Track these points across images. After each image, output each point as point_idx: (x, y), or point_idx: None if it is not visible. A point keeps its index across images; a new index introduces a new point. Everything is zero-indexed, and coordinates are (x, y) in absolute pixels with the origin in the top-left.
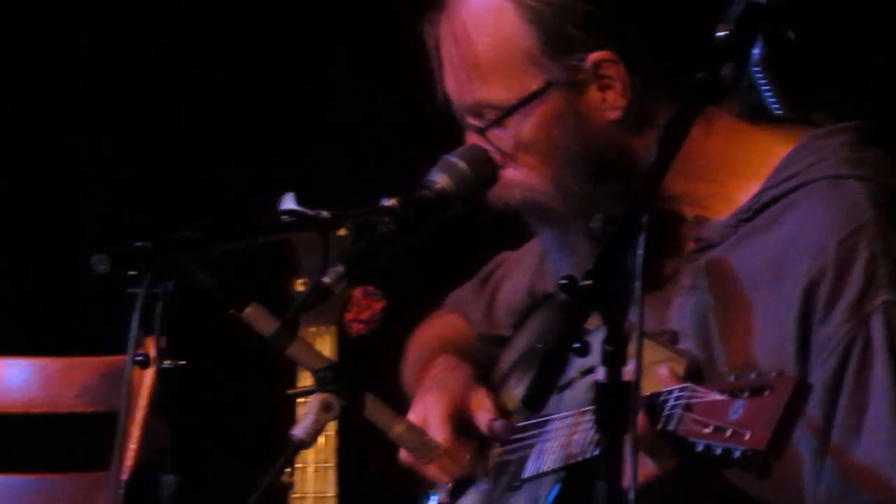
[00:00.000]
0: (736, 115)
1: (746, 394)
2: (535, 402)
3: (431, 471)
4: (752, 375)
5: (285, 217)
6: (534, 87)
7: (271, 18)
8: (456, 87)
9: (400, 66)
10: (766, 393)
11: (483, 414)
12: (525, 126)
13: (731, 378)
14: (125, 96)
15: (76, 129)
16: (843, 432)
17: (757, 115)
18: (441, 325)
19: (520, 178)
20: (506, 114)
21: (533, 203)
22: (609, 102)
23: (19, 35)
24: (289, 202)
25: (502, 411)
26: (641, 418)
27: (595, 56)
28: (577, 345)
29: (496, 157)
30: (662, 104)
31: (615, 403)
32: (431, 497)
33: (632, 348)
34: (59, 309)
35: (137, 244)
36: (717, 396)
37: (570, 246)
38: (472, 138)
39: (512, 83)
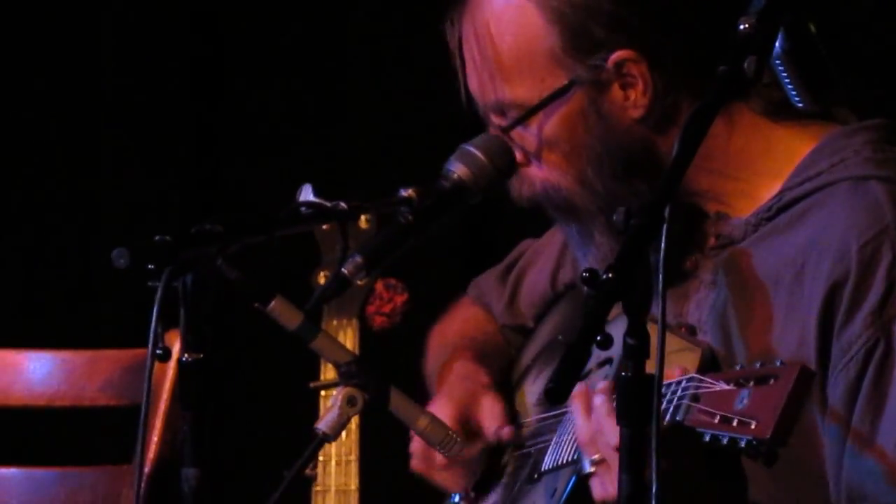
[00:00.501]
0: (759, 112)
1: (752, 383)
2: (558, 394)
3: (441, 478)
4: (757, 365)
5: (304, 209)
6: (556, 86)
7: (291, 10)
8: (479, 86)
9: (418, 55)
10: (771, 382)
11: (490, 421)
12: (548, 125)
13: (737, 368)
14: (147, 92)
15: (99, 123)
16: (861, 431)
17: (780, 112)
18: (462, 320)
19: (543, 176)
20: (529, 113)
21: (557, 200)
22: (632, 101)
23: (43, 28)
24: (307, 194)
25: (513, 416)
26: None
27: (617, 55)
28: (600, 338)
29: (520, 155)
30: (685, 102)
31: (638, 396)
32: (455, 494)
33: (653, 341)
34: (81, 303)
35: (157, 238)
36: (724, 386)
37: (593, 241)
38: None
39: (534, 83)
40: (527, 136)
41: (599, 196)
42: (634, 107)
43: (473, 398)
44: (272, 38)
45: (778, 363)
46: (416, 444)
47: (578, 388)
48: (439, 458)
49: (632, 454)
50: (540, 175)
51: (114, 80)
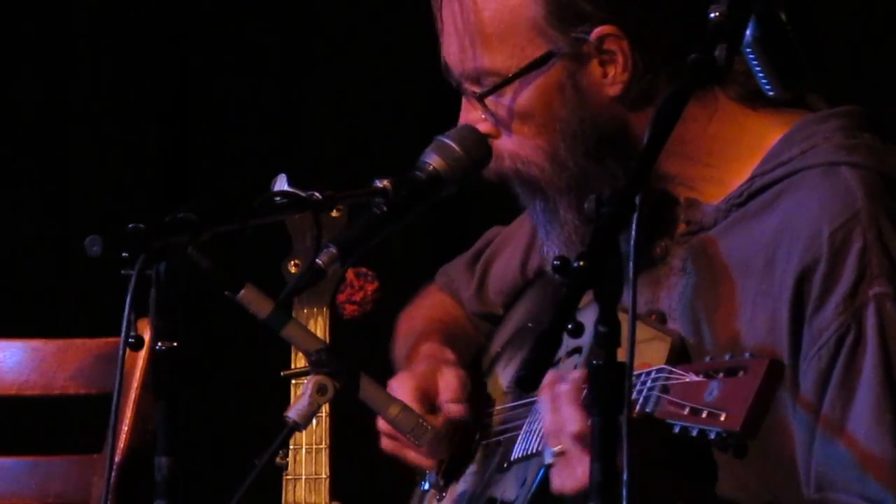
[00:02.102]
0: (734, 98)
1: (722, 375)
2: (529, 382)
3: (412, 456)
4: (727, 357)
5: (278, 198)
6: (536, 56)
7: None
8: (458, 52)
9: (393, 46)
10: (741, 374)
11: (445, 393)
12: (524, 95)
13: (707, 360)
14: (119, 81)
15: (71, 112)
16: (832, 419)
17: (755, 99)
18: (430, 306)
19: (513, 149)
20: (506, 81)
21: (524, 175)
22: (610, 78)
23: (15, 17)
24: (282, 183)
25: (483, 403)
26: None
27: (600, 30)
28: (571, 326)
29: (491, 125)
30: (663, 83)
31: (609, 385)
32: (425, 481)
33: (624, 329)
34: (52, 291)
35: (130, 226)
36: (693, 378)
37: (559, 220)
38: (469, 106)
39: (514, 51)
40: (501, 106)
41: (569, 172)
42: (612, 84)
43: (433, 372)
44: (245, 27)
45: (748, 356)
46: (384, 423)
47: (548, 379)
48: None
49: (603, 443)
50: (509, 148)
51: (87, 68)
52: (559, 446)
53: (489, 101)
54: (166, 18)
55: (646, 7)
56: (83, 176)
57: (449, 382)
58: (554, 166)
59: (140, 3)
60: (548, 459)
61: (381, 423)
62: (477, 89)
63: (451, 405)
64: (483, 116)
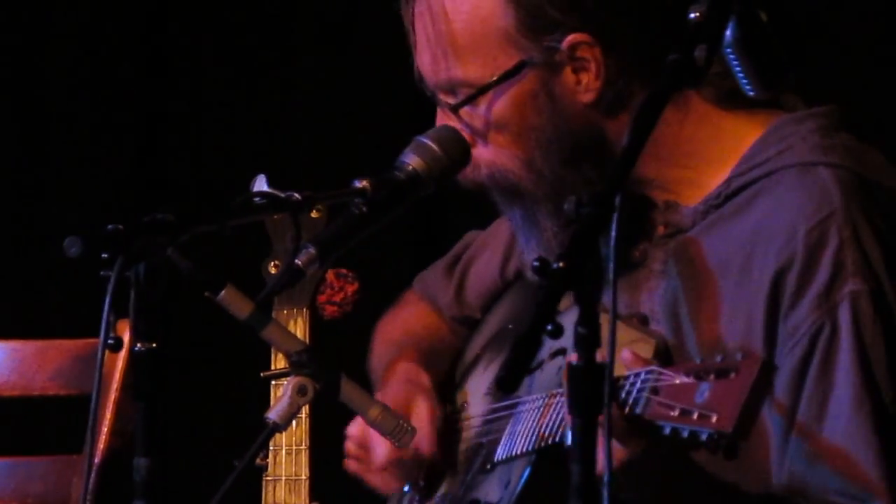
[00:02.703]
0: (710, 100)
1: (712, 376)
2: (509, 383)
3: (376, 480)
4: (718, 358)
5: (257, 199)
6: (509, 66)
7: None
8: (431, 63)
9: (371, 47)
10: (732, 375)
11: (418, 428)
12: (498, 105)
13: (697, 360)
14: (97, 80)
15: (48, 112)
16: (806, 419)
17: (731, 100)
18: (407, 317)
19: (489, 158)
20: (479, 92)
21: (502, 183)
22: (583, 85)
23: None
24: (261, 184)
25: (460, 406)
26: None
27: (572, 38)
28: (551, 327)
29: (467, 135)
30: (637, 89)
31: (588, 386)
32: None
33: (605, 330)
34: (32, 292)
35: (109, 227)
36: (684, 379)
37: (537, 226)
38: (444, 116)
39: (487, 61)
40: (476, 116)
41: (546, 180)
42: (586, 91)
43: (408, 402)
44: (225, 25)
45: (739, 356)
46: (351, 446)
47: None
48: (374, 460)
49: (583, 444)
50: (486, 157)
51: (63, 69)
52: None
53: (464, 111)
54: (145, 16)
55: (617, 14)
56: (62, 176)
57: (421, 417)
58: (531, 175)
59: (120, 1)
60: (569, 441)
61: (347, 446)
62: (451, 100)
63: (422, 442)
64: (459, 127)
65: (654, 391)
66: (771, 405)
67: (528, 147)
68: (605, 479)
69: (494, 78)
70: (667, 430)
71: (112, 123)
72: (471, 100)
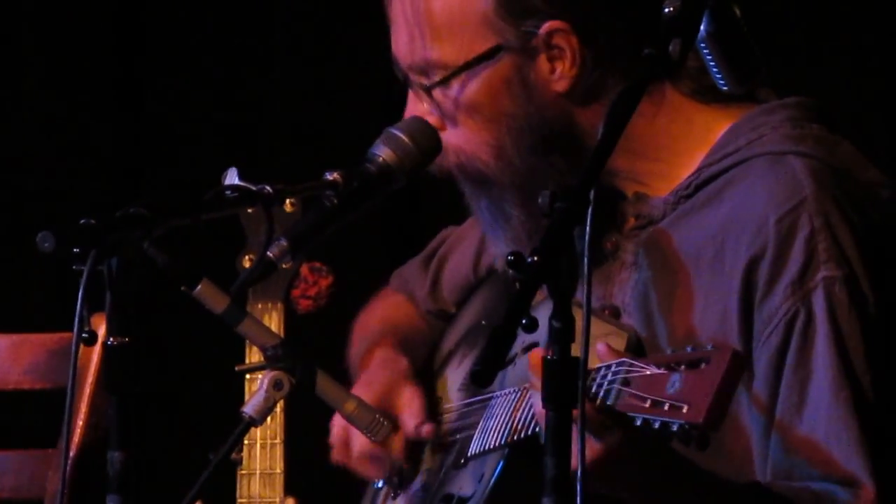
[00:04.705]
0: (686, 94)
1: (683, 367)
2: (484, 378)
3: (361, 468)
4: (689, 349)
5: (229, 192)
6: (485, 49)
7: None
8: (407, 43)
9: (343, 40)
10: (703, 366)
11: (410, 417)
12: (471, 88)
13: (669, 352)
14: (71, 74)
15: (22, 107)
16: (786, 408)
17: (707, 94)
18: (385, 308)
19: (457, 144)
20: (453, 73)
21: (469, 169)
22: (558, 74)
23: None
24: (232, 177)
25: (435, 401)
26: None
27: (549, 25)
28: (526, 321)
29: (437, 119)
30: (611, 80)
31: (562, 380)
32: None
33: (578, 324)
34: (5, 286)
35: (82, 222)
36: (655, 370)
37: (504, 216)
38: (416, 99)
39: (463, 44)
40: (448, 98)
41: (515, 168)
42: (559, 79)
43: (392, 388)
44: (198, 20)
45: (710, 347)
46: (335, 435)
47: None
48: (357, 448)
49: (557, 437)
50: (454, 143)
51: (37, 62)
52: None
53: (436, 93)
54: (122, 12)
55: (595, 4)
56: (35, 171)
57: (409, 402)
58: (500, 162)
59: None
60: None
61: (332, 435)
62: (425, 81)
63: (421, 427)
64: (429, 110)
65: (626, 383)
66: (749, 397)
67: (498, 133)
68: (579, 473)
69: (469, 60)
70: (638, 422)
71: (87, 118)
72: (445, 81)
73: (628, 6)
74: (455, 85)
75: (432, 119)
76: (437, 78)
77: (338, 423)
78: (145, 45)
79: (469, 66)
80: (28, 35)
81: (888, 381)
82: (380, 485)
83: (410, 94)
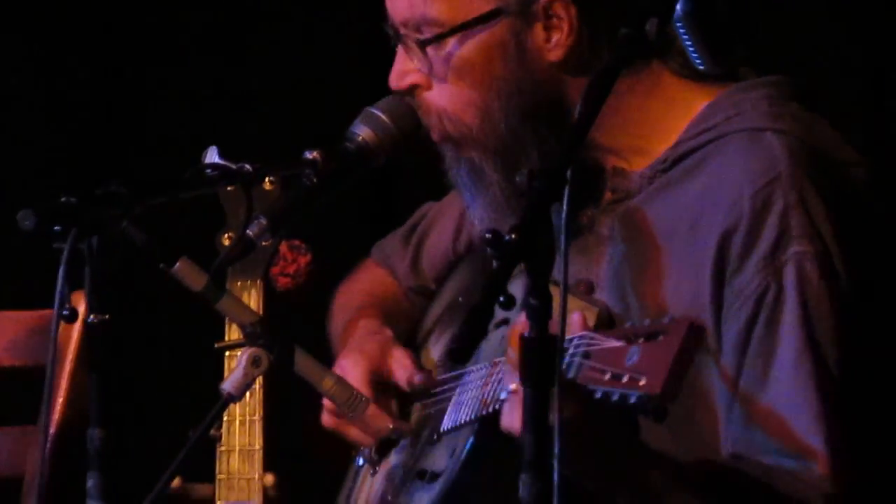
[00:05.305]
0: (672, 72)
1: (641, 339)
2: (461, 355)
3: (354, 433)
4: (647, 321)
5: (209, 171)
6: (484, 10)
7: None
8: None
9: (324, 20)
10: (660, 338)
11: (402, 372)
12: (466, 48)
13: (628, 325)
14: (52, 54)
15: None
16: (750, 381)
17: (691, 73)
18: (367, 281)
19: (442, 104)
20: (450, 32)
21: (451, 130)
22: (553, 43)
23: None
24: (212, 156)
25: (422, 368)
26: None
27: None
28: (503, 298)
29: (424, 77)
30: (605, 55)
31: (540, 358)
32: (359, 457)
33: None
34: None
35: (63, 199)
36: (614, 343)
37: (484, 182)
38: (404, 55)
39: (461, 3)
40: (441, 57)
41: (500, 132)
42: (554, 48)
43: (383, 351)
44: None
45: (666, 319)
46: (328, 401)
47: (520, 322)
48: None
49: (534, 414)
50: (439, 103)
51: (19, 44)
52: (514, 385)
53: (429, 50)
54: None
55: None
56: (15, 150)
57: (401, 360)
58: (484, 125)
59: None
60: (503, 395)
61: (327, 400)
62: (419, 37)
63: (415, 378)
64: (418, 67)
65: (587, 356)
66: (717, 370)
67: (487, 95)
68: (556, 451)
69: (468, 20)
70: (598, 394)
71: (67, 97)
72: (442, 38)
73: None
74: (450, 43)
75: (418, 77)
76: (432, 34)
77: None
78: (125, 24)
79: (467, 25)
80: (6, 16)
81: (862, 356)
82: (360, 462)
83: (399, 51)
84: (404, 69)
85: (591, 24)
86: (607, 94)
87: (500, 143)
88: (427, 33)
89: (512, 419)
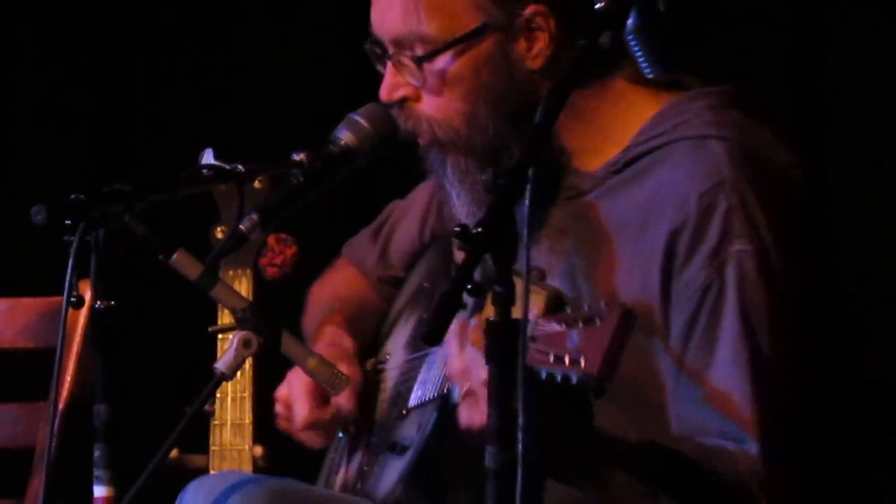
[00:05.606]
0: (628, 79)
1: (581, 324)
2: (432, 336)
3: (303, 437)
4: (586, 307)
5: (205, 171)
6: (472, 26)
7: None
8: (401, 16)
9: (313, 32)
10: (597, 322)
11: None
12: (457, 62)
13: (568, 310)
14: (60, 64)
15: (16, 96)
16: (694, 367)
17: (644, 80)
18: (337, 281)
19: (431, 113)
20: (443, 48)
21: (440, 134)
22: (534, 52)
23: None
24: (208, 157)
25: (383, 358)
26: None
27: (533, 8)
28: (470, 286)
29: (412, 89)
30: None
31: (504, 339)
32: (342, 431)
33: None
34: (1, 255)
35: (72, 197)
36: (557, 328)
37: (469, 179)
38: (394, 70)
39: (452, 20)
40: (433, 71)
41: (486, 134)
42: (536, 57)
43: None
44: (180, 9)
45: (602, 305)
46: (280, 407)
47: (454, 327)
48: (299, 420)
49: (498, 391)
50: (427, 112)
51: (28, 51)
52: (467, 385)
53: (419, 65)
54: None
55: None
56: (28, 152)
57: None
58: (472, 129)
59: None
60: (456, 398)
61: (277, 408)
62: (410, 53)
63: (340, 402)
64: (410, 81)
65: (532, 339)
66: (666, 356)
67: (476, 104)
68: (521, 423)
69: (458, 36)
70: (543, 375)
71: (75, 106)
72: (436, 53)
73: None
74: (442, 59)
75: (408, 90)
76: (423, 51)
77: (281, 396)
78: (126, 25)
79: (458, 41)
80: (16, 19)
81: (797, 345)
82: (341, 435)
83: (389, 67)
84: (395, 83)
85: (567, 33)
86: (565, 101)
87: (485, 144)
88: (420, 50)
89: (470, 417)
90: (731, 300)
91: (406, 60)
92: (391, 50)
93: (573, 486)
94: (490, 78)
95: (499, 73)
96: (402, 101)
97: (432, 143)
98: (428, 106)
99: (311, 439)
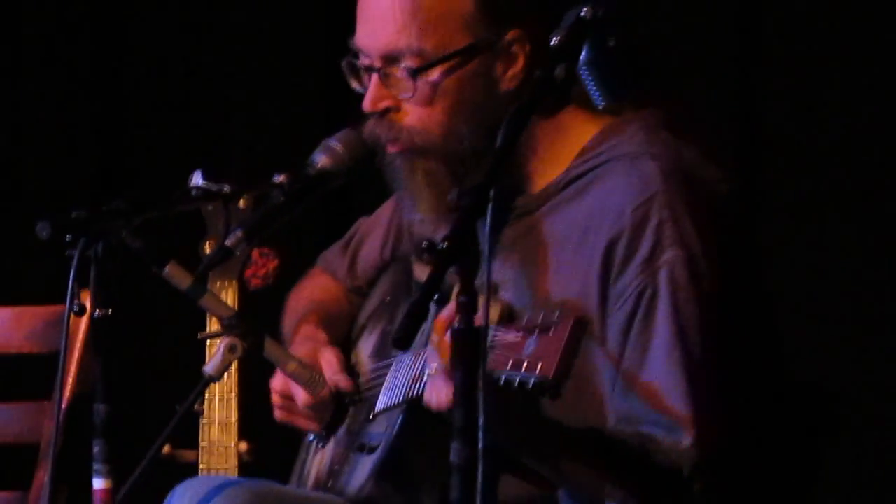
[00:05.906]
0: (578, 106)
1: (537, 332)
2: (402, 342)
3: (301, 422)
4: (541, 316)
5: (195, 191)
6: (461, 45)
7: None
8: (394, 32)
9: (293, 55)
10: (552, 330)
11: (329, 371)
12: (444, 78)
13: (525, 320)
14: (58, 84)
15: (19, 113)
16: (630, 364)
17: (587, 106)
18: (313, 287)
19: (412, 123)
20: (437, 62)
21: (418, 141)
22: (509, 75)
23: None
24: (197, 178)
25: (351, 368)
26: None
27: (513, 33)
28: (437, 296)
29: (395, 101)
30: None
31: (468, 345)
32: (310, 434)
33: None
34: (7, 266)
35: (74, 213)
36: (515, 335)
37: (438, 186)
38: (379, 83)
39: (443, 38)
40: (424, 84)
41: (462, 144)
42: (511, 79)
43: (314, 354)
44: (175, 28)
45: (557, 314)
46: (276, 397)
47: (445, 313)
48: (301, 401)
49: (463, 392)
50: (409, 123)
51: (28, 62)
52: (436, 364)
53: (405, 78)
54: (98, 9)
55: (549, 20)
56: (31, 169)
57: (329, 361)
58: (448, 138)
59: None
60: (427, 373)
61: (274, 397)
62: (401, 66)
63: (337, 378)
64: (400, 93)
65: (492, 346)
66: (604, 357)
67: (457, 118)
68: (481, 423)
69: (448, 53)
70: (502, 379)
71: (74, 127)
72: (429, 67)
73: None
74: (433, 72)
75: (392, 101)
76: (417, 65)
77: (276, 386)
78: (125, 40)
79: (447, 58)
80: (12, 28)
81: (725, 343)
82: (311, 438)
83: (374, 79)
84: (379, 95)
85: (538, 59)
86: (525, 126)
87: (459, 156)
88: (414, 63)
89: (433, 396)
90: (663, 304)
91: (398, 73)
92: (378, 64)
93: (530, 474)
94: (472, 94)
95: (479, 91)
96: (384, 112)
97: (408, 149)
98: (410, 117)
99: (310, 422)
